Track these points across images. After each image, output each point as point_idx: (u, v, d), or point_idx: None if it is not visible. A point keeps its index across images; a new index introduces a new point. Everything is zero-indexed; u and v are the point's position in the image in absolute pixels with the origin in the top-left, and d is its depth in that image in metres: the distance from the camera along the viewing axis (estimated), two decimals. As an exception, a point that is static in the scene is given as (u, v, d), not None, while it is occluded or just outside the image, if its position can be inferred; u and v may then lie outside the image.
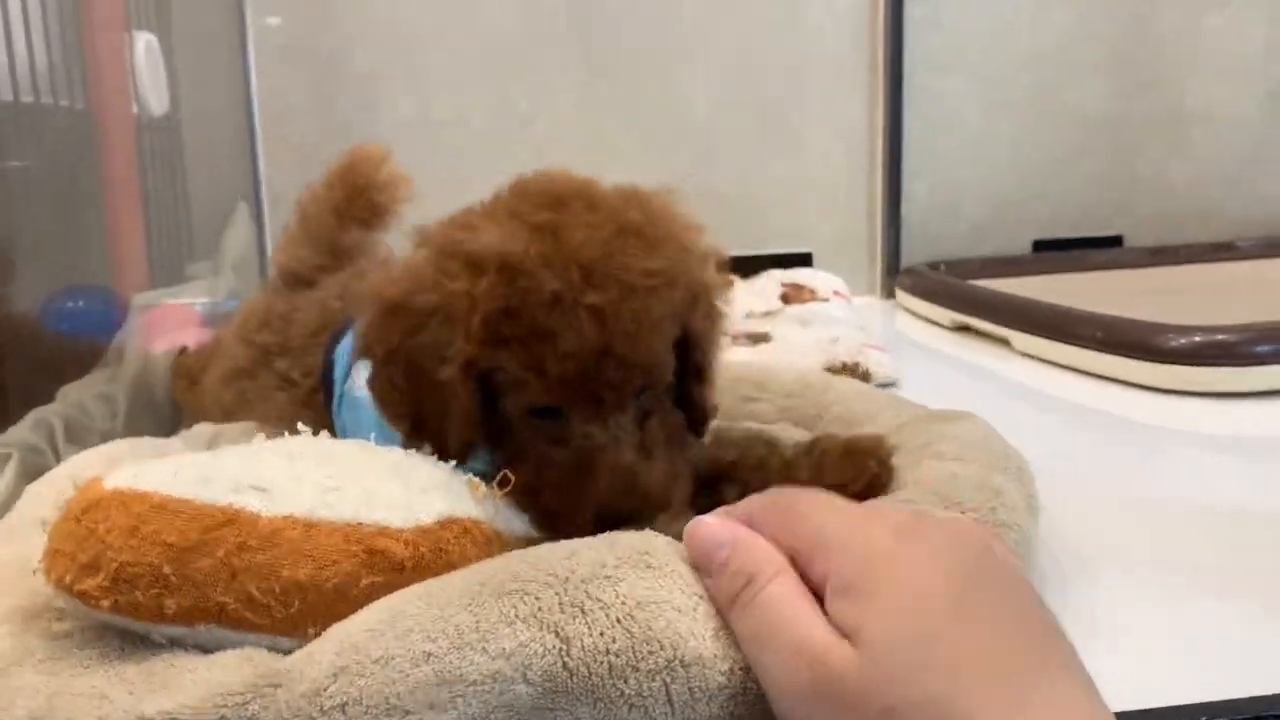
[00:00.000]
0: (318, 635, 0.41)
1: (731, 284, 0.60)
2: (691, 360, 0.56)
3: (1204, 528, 0.68)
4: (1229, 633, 0.53)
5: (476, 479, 0.49)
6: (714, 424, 0.67)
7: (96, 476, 0.45)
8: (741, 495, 0.57)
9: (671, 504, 0.52)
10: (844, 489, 0.54)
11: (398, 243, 0.84)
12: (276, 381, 0.77)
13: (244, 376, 0.79)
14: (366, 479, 0.46)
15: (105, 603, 0.41)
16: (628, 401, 0.51)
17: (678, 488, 0.54)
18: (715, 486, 0.61)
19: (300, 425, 0.51)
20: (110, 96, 1.06)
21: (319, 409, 0.74)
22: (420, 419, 0.53)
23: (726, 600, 0.39)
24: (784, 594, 0.38)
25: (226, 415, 0.79)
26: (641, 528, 0.46)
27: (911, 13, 1.56)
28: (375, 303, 0.53)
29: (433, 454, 0.51)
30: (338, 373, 0.72)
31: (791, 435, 0.77)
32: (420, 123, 1.51)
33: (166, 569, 0.41)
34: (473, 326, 0.49)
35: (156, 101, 1.17)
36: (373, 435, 0.53)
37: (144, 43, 1.14)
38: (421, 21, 1.50)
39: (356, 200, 0.81)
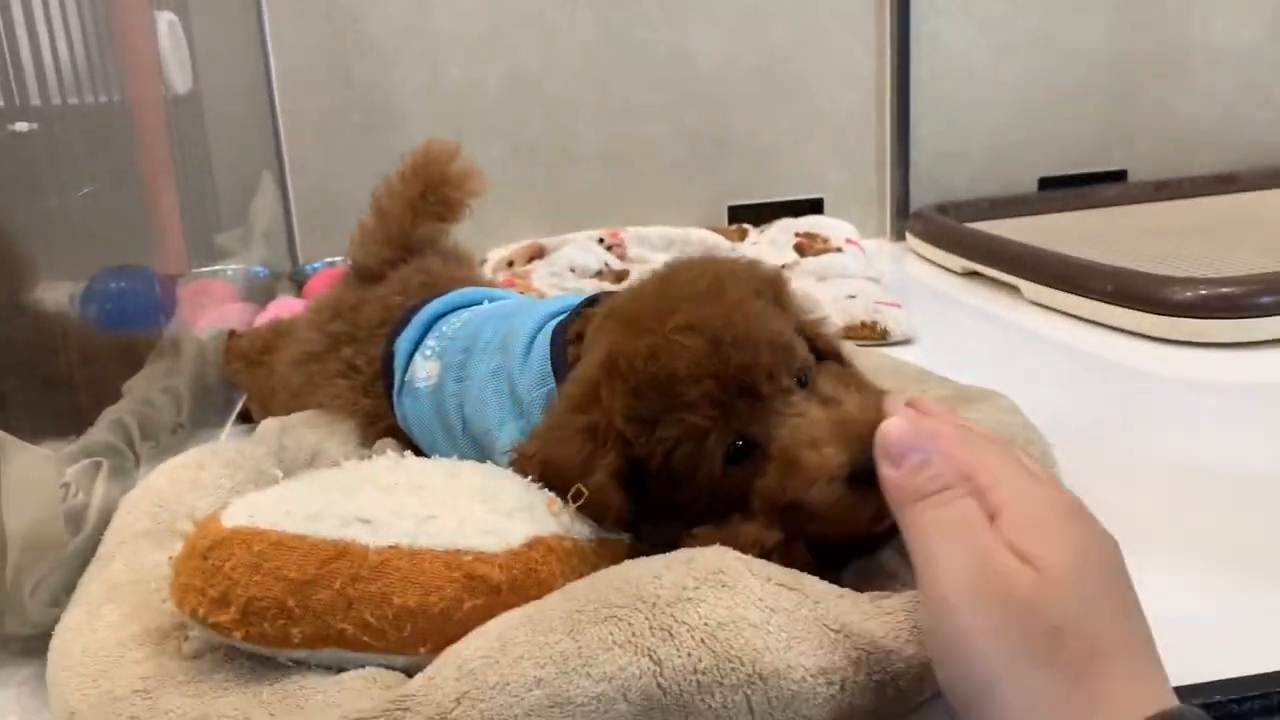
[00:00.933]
0: (429, 653, 0.46)
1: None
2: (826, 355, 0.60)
3: (1215, 489, 0.73)
4: (1243, 606, 0.58)
5: (553, 495, 0.53)
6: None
7: (214, 514, 0.49)
8: None
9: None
10: None
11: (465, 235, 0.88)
12: (342, 368, 0.82)
13: (313, 360, 0.84)
14: (457, 505, 0.51)
15: (238, 634, 0.46)
16: (785, 382, 0.53)
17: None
18: None
19: (389, 450, 0.56)
20: (142, 81, 1.08)
21: (378, 396, 0.79)
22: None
23: (914, 493, 0.43)
24: (976, 509, 0.42)
25: (294, 396, 0.84)
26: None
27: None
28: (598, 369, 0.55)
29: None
30: (398, 362, 0.77)
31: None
32: (434, 87, 1.53)
33: (290, 602, 0.46)
34: (614, 426, 0.52)
35: (181, 80, 1.19)
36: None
37: (166, 22, 1.15)
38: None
39: (431, 194, 0.85)
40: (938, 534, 0.42)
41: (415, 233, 0.85)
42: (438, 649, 0.46)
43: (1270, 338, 1.01)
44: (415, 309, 0.79)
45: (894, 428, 0.46)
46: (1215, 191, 1.62)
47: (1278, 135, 1.73)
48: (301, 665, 0.47)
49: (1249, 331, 1.01)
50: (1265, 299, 1.02)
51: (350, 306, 0.83)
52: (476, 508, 0.51)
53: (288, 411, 0.83)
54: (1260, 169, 1.68)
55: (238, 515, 0.48)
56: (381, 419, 0.79)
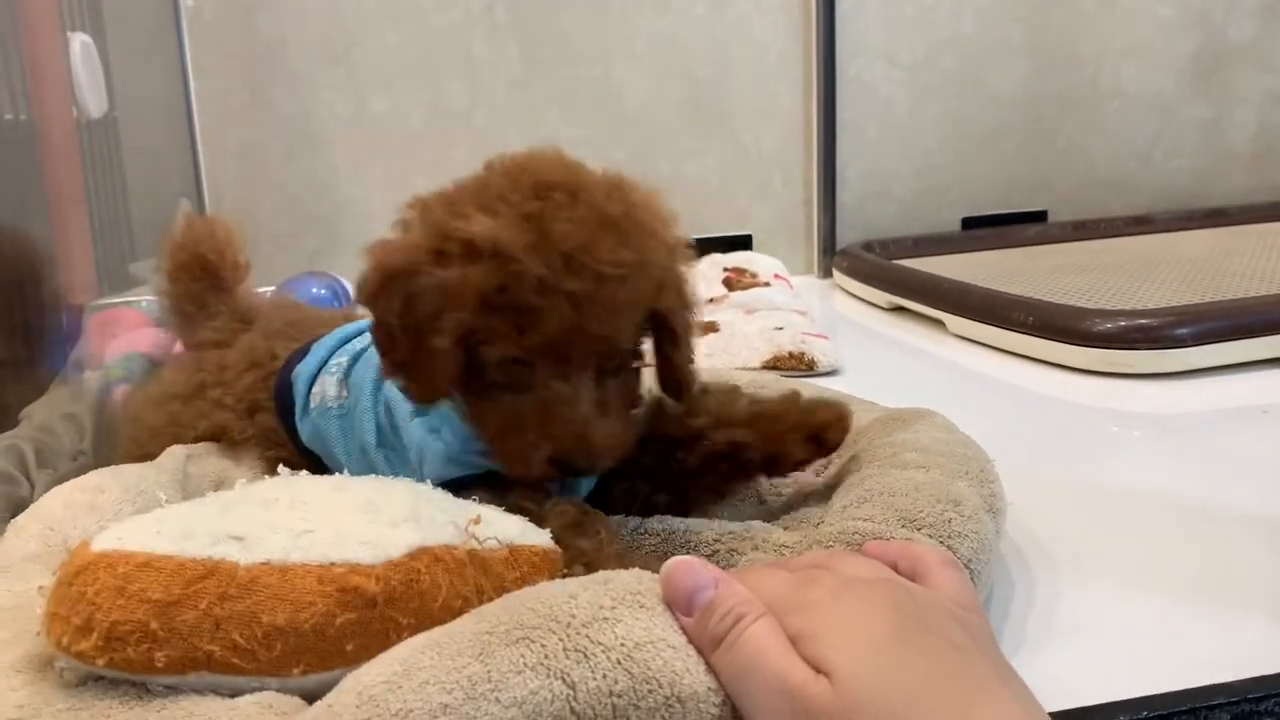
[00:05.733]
0: (303, 674, 0.44)
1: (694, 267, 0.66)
2: (665, 331, 0.61)
3: (1133, 513, 0.74)
4: (1163, 624, 0.58)
5: (479, 513, 0.52)
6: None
7: (85, 540, 0.47)
8: (702, 464, 0.64)
9: (616, 460, 0.58)
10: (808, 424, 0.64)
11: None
12: (209, 408, 0.79)
13: (177, 400, 0.81)
14: (337, 519, 0.48)
15: (100, 661, 0.43)
16: (590, 364, 0.57)
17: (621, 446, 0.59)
18: (675, 452, 0.66)
19: (281, 468, 0.54)
20: (51, 103, 1.05)
21: (263, 426, 0.77)
22: (410, 367, 0.58)
23: (711, 640, 0.43)
24: (766, 631, 0.42)
25: (152, 435, 0.80)
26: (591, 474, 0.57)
27: (841, 2, 1.59)
28: (378, 270, 0.57)
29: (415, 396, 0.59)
30: (299, 389, 0.74)
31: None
32: (358, 118, 1.51)
33: (154, 624, 0.43)
34: (467, 304, 0.54)
35: (95, 103, 1.16)
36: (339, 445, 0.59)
37: (79, 44, 1.12)
38: (357, 18, 1.49)
39: (206, 277, 0.86)
40: (737, 676, 0.42)
41: (235, 306, 0.85)
42: (313, 669, 0.44)
43: (1186, 368, 1.03)
44: (314, 340, 0.77)
45: (674, 570, 0.46)
46: (1131, 232, 1.67)
47: (1188, 180, 1.79)
48: (184, 691, 0.45)
49: (1165, 362, 1.03)
50: (1181, 330, 1.04)
51: (214, 363, 0.81)
52: (358, 519, 0.49)
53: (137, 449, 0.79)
54: (1173, 211, 1.73)
55: (106, 539, 0.46)
56: (277, 446, 0.77)
